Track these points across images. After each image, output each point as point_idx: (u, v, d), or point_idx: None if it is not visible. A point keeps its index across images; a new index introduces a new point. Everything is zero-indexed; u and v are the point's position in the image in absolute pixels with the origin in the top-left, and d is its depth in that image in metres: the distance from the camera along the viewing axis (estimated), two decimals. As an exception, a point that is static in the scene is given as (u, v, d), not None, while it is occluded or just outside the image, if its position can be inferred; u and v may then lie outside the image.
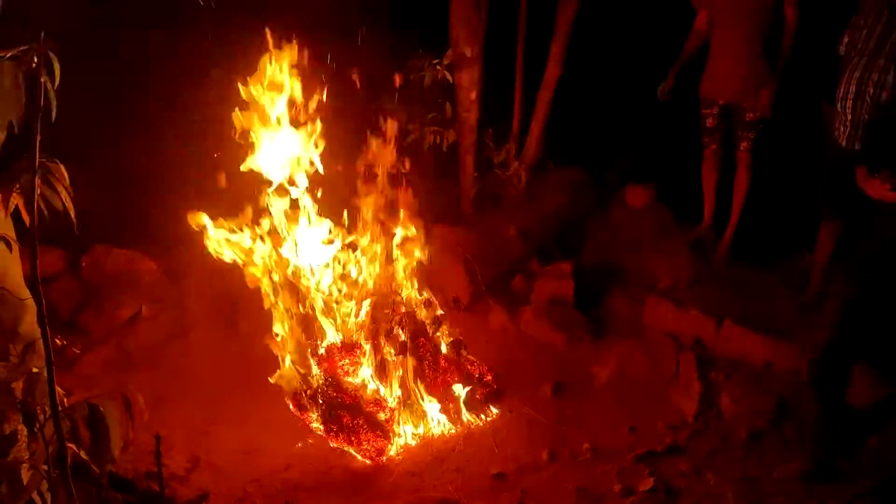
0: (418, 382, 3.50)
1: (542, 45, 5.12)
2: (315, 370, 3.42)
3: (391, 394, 3.46)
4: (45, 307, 1.48)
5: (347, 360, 3.43)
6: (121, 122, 4.85)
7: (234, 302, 4.24)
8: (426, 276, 4.52)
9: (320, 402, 3.30)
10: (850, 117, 3.30)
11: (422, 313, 3.73)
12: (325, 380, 3.37)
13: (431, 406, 3.50)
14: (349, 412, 3.26)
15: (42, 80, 1.38)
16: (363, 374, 3.47)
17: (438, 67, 5.16)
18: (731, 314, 3.81)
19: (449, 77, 5.14)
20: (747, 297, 4.03)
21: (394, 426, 3.38)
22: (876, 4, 3.17)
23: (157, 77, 4.69)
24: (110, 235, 4.46)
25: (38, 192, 1.40)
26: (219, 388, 3.76)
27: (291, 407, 3.40)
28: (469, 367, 3.71)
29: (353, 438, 3.25)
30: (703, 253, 4.56)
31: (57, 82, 1.42)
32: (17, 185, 1.42)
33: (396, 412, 3.42)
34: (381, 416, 3.33)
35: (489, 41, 4.98)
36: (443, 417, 3.50)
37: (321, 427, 3.31)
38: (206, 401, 3.64)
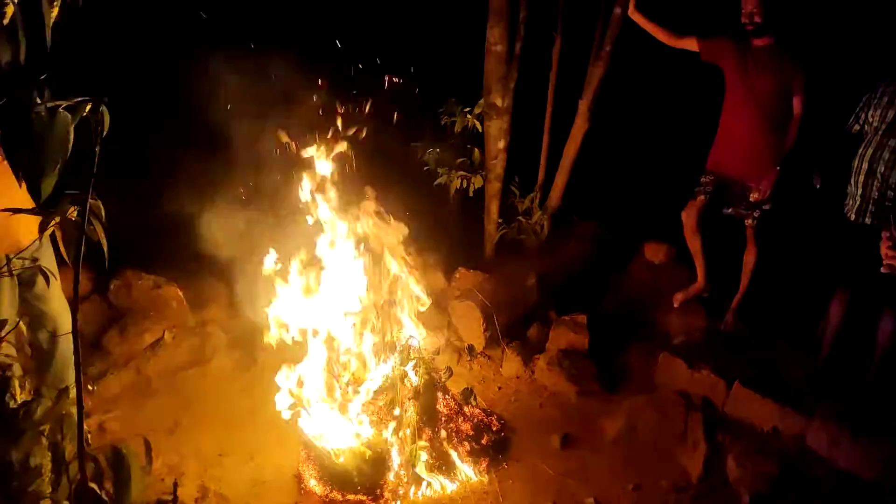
0: (425, 429, 3.49)
1: (571, 100, 5.25)
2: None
3: (395, 442, 3.42)
4: (80, 355, 1.56)
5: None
6: (160, 149, 5.06)
7: (254, 333, 4.34)
8: (443, 318, 4.60)
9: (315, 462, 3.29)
10: (860, 192, 3.35)
11: (433, 359, 3.74)
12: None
13: (436, 454, 3.46)
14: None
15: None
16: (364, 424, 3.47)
17: (469, 116, 5.34)
18: (740, 376, 3.80)
19: (478, 126, 5.31)
20: (758, 361, 4.02)
21: (397, 474, 3.36)
22: (891, 85, 3.25)
23: (199, 114, 4.90)
24: (138, 260, 4.56)
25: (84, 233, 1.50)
26: (233, 417, 3.83)
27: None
28: (478, 415, 3.73)
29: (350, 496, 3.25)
30: (716, 314, 4.57)
31: (105, 132, 1.52)
32: (57, 219, 1.54)
33: (400, 460, 3.39)
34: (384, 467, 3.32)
35: (519, 93, 5.13)
36: (448, 466, 3.46)
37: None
38: (220, 430, 3.71)
